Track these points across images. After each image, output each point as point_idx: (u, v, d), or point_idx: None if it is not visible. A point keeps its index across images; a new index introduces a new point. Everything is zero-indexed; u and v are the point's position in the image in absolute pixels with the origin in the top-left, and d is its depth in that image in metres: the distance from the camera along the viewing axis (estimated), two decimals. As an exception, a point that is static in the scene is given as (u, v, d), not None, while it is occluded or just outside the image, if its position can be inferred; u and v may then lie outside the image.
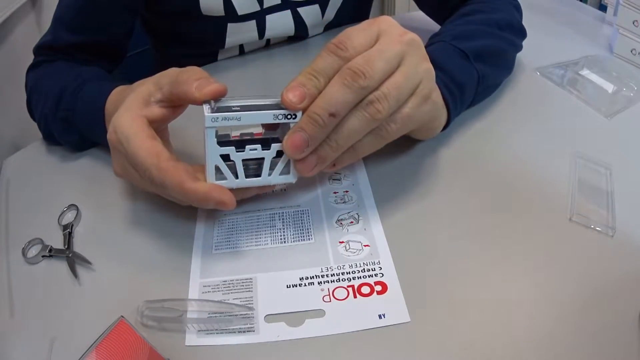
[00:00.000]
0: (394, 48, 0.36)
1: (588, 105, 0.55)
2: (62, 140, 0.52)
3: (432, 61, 0.43)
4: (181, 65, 0.39)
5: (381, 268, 0.38)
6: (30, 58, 0.57)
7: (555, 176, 0.45)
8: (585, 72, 0.60)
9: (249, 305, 0.36)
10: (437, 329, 0.34)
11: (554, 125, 0.52)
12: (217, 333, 0.34)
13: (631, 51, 0.63)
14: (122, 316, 0.33)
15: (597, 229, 0.40)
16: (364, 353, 0.33)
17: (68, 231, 0.42)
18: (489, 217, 0.42)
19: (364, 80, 0.34)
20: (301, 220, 0.42)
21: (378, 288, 0.36)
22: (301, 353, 0.33)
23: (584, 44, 0.67)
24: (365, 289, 0.36)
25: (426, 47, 0.48)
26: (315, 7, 0.70)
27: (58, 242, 0.42)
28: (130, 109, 0.39)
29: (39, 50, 0.58)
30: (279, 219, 0.42)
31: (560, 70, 0.61)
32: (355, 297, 0.36)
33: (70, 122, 0.49)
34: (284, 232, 0.41)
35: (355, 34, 0.36)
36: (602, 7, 0.76)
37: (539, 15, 0.74)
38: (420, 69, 0.38)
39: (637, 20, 0.62)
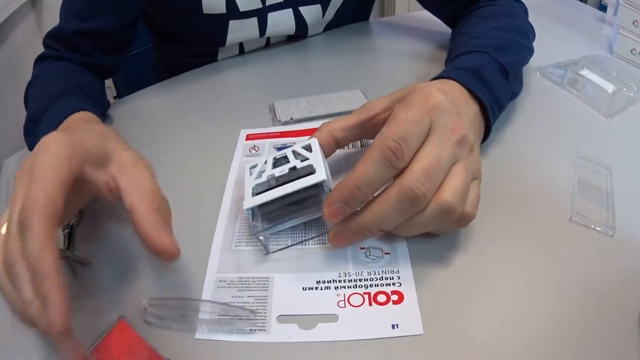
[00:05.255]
0: (449, 154, 0.35)
1: (588, 105, 0.55)
2: (25, 137, 0.51)
3: (479, 75, 0.45)
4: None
5: (399, 277, 0.37)
6: (29, 57, 0.58)
7: (555, 176, 0.45)
8: (585, 72, 0.60)
9: (252, 308, 0.35)
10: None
11: (554, 125, 0.52)
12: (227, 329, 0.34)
13: (631, 51, 0.63)
14: (122, 316, 0.33)
15: (597, 229, 0.40)
16: (372, 360, 0.33)
17: (68, 231, 0.42)
18: (489, 216, 0.42)
19: (422, 203, 0.34)
20: (323, 222, 0.41)
21: (394, 297, 0.36)
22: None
23: (584, 44, 0.67)
24: (382, 297, 0.36)
25: (464, 52, 0.50)
26: (317, 7, 0.70)
27: (58, 242, 0.42)
28: (69, 140, 0.32)
29: (46, 39, 0.59)
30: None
31: (560, 70, 0.61)
32: (370, 304, 0.35)
33: (35, 122, 0.48)
34: (304, 233, 0.41)
35: (411, 135, 0.34)
36: (602, 7, 0.76)
37: (539, 15, 0.74)
38: (473, 166, 0.37)
39: (637, 20, 0.62)
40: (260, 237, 0.39)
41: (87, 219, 0.44)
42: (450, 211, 0.34)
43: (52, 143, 0.31)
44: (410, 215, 0.35)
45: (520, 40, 0.54)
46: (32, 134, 0.48)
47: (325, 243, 0.40)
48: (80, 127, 0.42)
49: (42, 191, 0.29)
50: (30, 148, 0.49)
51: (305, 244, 0.40)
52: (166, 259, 0.30)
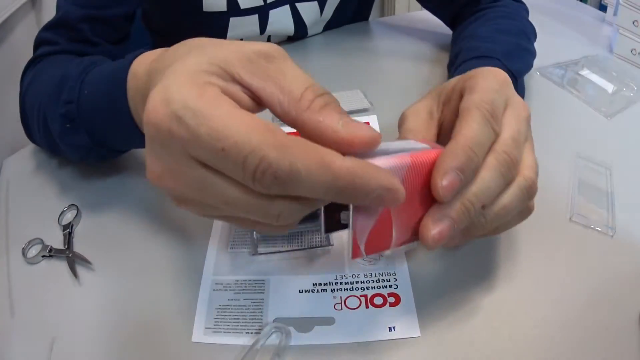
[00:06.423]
0: (525, 129, 0.33)
1: (588, 105, 0.55)
2: (65, 147, 0.43)
3: None
4: None
5: (396, 279, 0.37)
6: (29, 58, 0.56)
7: (555, 176, 0.45)
8: (585, 72, 0.60)
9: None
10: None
11: (554, 125, 0.52)
12: (224, 332, 0.34)
13: (631, 51, 0.63)
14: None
15: (597, 229, 0.40)
16: (369, 362, 0.32)
17: (68, 231, 0.42)
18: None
19: (515, 168, 0.31)
20: (319, 233, 0.40)
21: (391, 300, 0.36)
22: (307, 359, 0.33)
23: (584, 44, 0.67)
24: (378, 300, 0.36)
25: (475, 57, 0.49)
26: (314, 4, 0.70)
27: (58, 242, 0.42)
28: (189, 73, 0.25)
29: (43, 33, 0.53)
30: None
31: (560, 70, 0.61)
32: (367, 307, 0.35)
33: (74, 119, 0.40)
34: (301, 235, 0.40)
35: (495, 98, 0.32)
36: (602, 7, 0.76)
37: (539, 15, 0.74)
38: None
39: (637, 20, 0.62)
40: (255, 236, 0.39)
41: (87, 219, 0.44)
42: (532, 187, 0.32)
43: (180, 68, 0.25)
44: (507, 181, 0.31)
45: (524, 44, 0.55)
46: (81, 131, 0.40)
47: (321, 245, 0.39)
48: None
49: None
50: (76, 152, 0.43)
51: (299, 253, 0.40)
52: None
